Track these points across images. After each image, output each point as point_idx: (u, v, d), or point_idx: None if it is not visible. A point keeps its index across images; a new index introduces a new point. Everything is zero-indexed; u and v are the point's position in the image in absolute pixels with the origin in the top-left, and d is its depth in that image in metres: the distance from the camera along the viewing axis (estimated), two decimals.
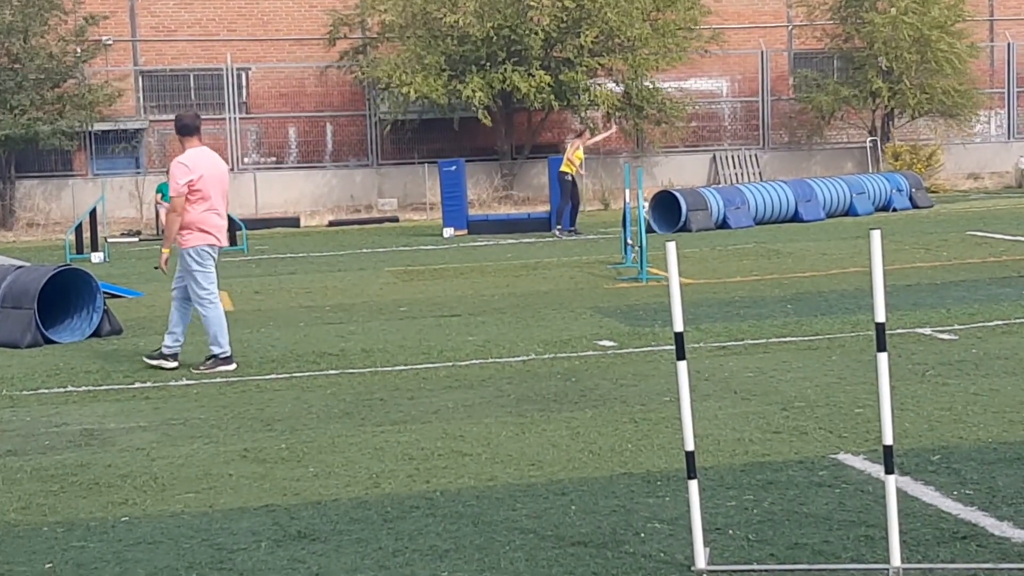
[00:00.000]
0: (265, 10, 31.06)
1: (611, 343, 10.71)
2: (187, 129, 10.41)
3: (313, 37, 30.70)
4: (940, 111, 31.41)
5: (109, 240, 22.71)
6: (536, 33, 27.82)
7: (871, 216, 23.43)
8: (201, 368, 10.24)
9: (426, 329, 11.98)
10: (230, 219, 22.58)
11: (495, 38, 27.91)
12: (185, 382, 9.87)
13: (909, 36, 29.93)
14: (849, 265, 15.68)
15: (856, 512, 5.80)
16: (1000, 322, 10.90)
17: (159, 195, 24.74)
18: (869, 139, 32.07)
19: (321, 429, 8.01)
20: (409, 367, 10.03)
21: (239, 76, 30.81)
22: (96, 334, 12.21)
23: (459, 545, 5.60)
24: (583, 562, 5.30)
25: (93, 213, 21.92)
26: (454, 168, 23.77)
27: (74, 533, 6.04)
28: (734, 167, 32.08)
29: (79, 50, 28.08)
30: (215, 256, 10.47)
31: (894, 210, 24.12)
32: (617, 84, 30.03)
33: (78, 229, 21.99)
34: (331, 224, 27.53)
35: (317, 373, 9.98)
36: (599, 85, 29.58)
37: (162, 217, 22.87)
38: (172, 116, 11.15)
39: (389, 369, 10.00)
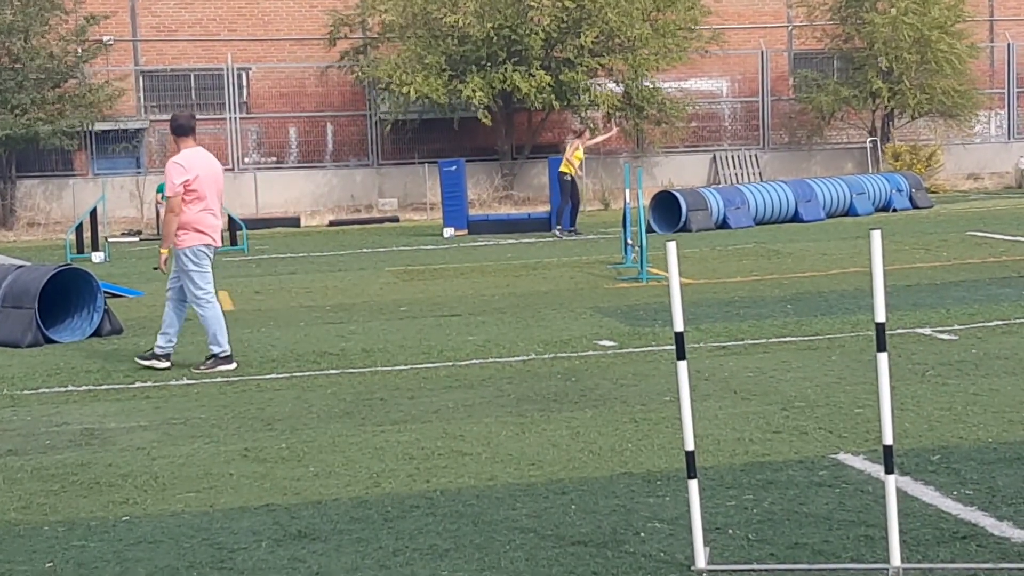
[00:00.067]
0: (266, 10, 31.07)
1: (611, 343, 10.72)
2: (183, 129, 10.43)
3: (314, 37, 30.71)
4: (940, 111, 31.41)
5: (110, 240, 22.72)
6: (536, 33, 27.82)
7: (871, 216, 23.43)
8: (201, 368, 10.25)
9: (426, 329, 11.99)
10: (231, 219, 22.69)
11: (495, 38, 27.91)
12: (185, 381, 9.88)
13: (909, 36, 29.93)
14: (849, 265, 15.69)
15: (856, 512, 5.80)
16: (1000, 322, 10.91)
17: (159, 195, 24.72)
18: (869, 139, 32.07)
19: (321, 429, 8.02)
20: (409, 367, 10.04)
21: (240, 76, 30.81)
22: (97, 334, 12.22)
23: (459, 544, 5.60)
24: (583, 561, 5.31)
25: (94, 213, 21.93)
26: (454, 168, 23.77)
27: (75, 532, 6.04)
28: (734, 167, 32.09)
29: (80, 50, 28.08)
30: (211, 256, 10.48)
31: (894, 210, 24.12)
32: (617, 84, 30.03)
33: (79, 229, 22.00)
34: (331, 224, 27.53)
35: (317, 373, 9.99)
36: (599, 85, 29.58)
37: (162, 217, 22.88)
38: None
39: (389, 369, 10.01)
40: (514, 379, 9.36)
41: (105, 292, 12.70)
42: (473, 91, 27.67)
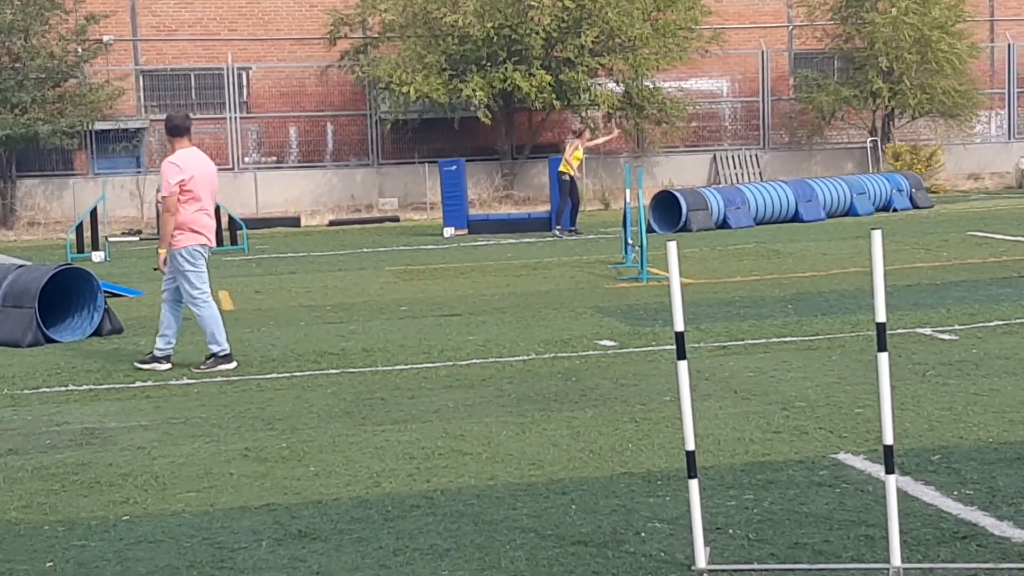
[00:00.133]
0: (266, 10, 31.06)
1: (611, 343, 10.72)
2: (178, 130, 10.43)
3: (314, 37, 30.70)
4: (940, 111, 31.40)
5: (110, 239, 22.71)
6: (537, 33, 27.81)
7: (871, 216, 23.43)
8: (201, 367, 10.25)
9: (426, 328, 11.99)
10: (231, 218, 22.70)
11: (495, 38, 27.91)
12: (186, 381, 9.88)
13: (909, 36, 29.92)
14: (849, 265, 15.69)
15: (856, 512, 5.80)
16: (1000, 322, 10.91)
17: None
18: (869, 139, 32.07)
19: (322, 428, 8.02)
20: (410, 366, 10.04)
21: (240, 76, 30.81)
22: (97, 333, 12.22)
23: (459, 544, 5.60)
24: (583, 561, 5.31)
25: (94, 212, 21.93)
26: (455, 168, 23.77)
27: (75, 532, 6.05)
28: (734, 167, 32.08)
29: (80, 49, 28.08)
30: (207, 256, 10.48)
31: (894, 210, 24.12)
32: (617, 84, 30.02)
33: (79, 228, 22.00)
34: (332, 224, 27.53)
35: (318, 372, 9.99)
36: (599, 85, 29.58)
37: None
38: None
39: (390, 368, 10.01)
40: (514, 379, 9.36)
41: (105, 291, 12.70)
42: (473, 90, 27.67)
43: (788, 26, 33.52)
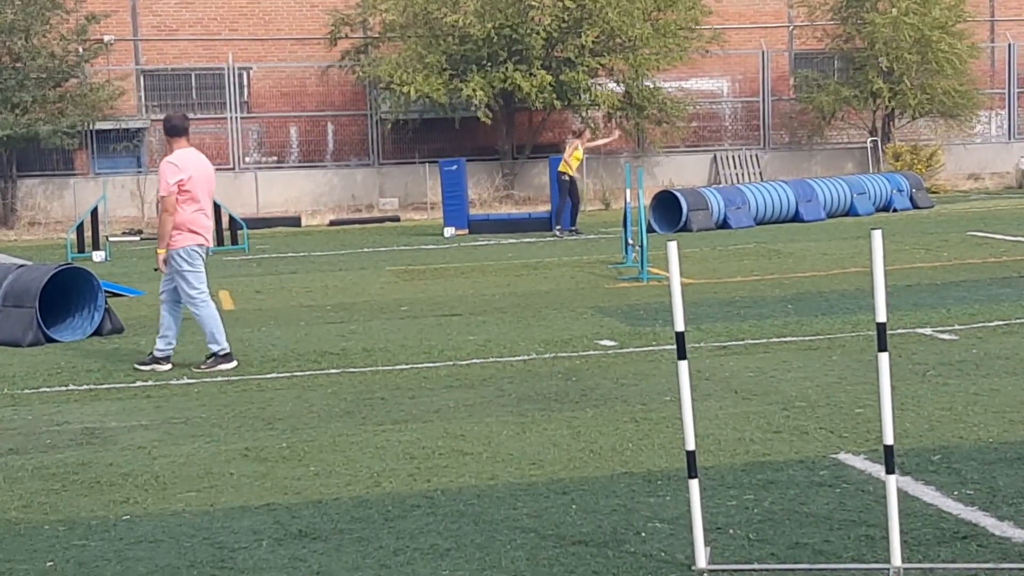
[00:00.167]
0: (266, 9, 31.06)
1: (612, 343, 10.72)
2: (176, 130, 10.43)
3: (314, 37, 30.70)
4: (941, 111, 31.40)
5: (110, 239, 22.71)
6: (537, 33, 27.82)
7: (872, 216, 23.43)
8: (202, 367, 10.25)
9: (427, 328, 11.99)
10: (231, 218, 22.70)
11: (496, 38, 27.91)
12: (186, 381, 9.89)
13: (910, 36, 29.92)
14: (850, 265, 15.69)
15: (857, 512, 5.80)
16: (1000, 322, 10.91)
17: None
18: (870, 139, 32.07)
19: (322, 428, 8.02)
20: (410, 366, 10.04)
21: (240, 75, 30.81)
22: (97, 333, 12.22)
23: (460, 544, 5.60)
24: (584, 561, 5.31)
25: (94, 212, 21.93)
26: (455, 168, 23.77)
27: (75, 531, 6.05)
28: (735, 167, 32.08)
29: (81, 49, 28.09)
30: (204, 256, 10.48)
31: (895, 210, 24.12)
32: (618, 84, 30.02)
33: (79, 228, 22.00)
34: (332, 223, 27.53)
35: (318, 372, 9.99)
36: (600, 85, 29.58)
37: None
38: None
39: (390, 368, 10.01)
40: (515, 379, 9.36)
41: (106, 291, 12.71)
42: (473, 90, 27.67)
43: (788, 26, 33.52)
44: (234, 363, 10.30)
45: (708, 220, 21.86)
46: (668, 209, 22.13)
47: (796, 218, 22.79)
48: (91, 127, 28.57)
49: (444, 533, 5.76)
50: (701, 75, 32.62)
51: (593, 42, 28.36)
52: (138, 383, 9.85)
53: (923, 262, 15.74)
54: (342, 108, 31.47)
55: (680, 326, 5.21)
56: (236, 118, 30.45)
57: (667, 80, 30.87)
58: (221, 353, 10.28)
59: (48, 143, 27.18)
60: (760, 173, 31.77)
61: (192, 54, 30.65)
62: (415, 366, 10.03)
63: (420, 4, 28.48)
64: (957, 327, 10.70)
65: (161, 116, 29.14)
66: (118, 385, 9.81)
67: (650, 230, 19.10)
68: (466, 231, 23.29)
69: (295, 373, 9.99)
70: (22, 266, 13.06)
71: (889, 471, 4.96)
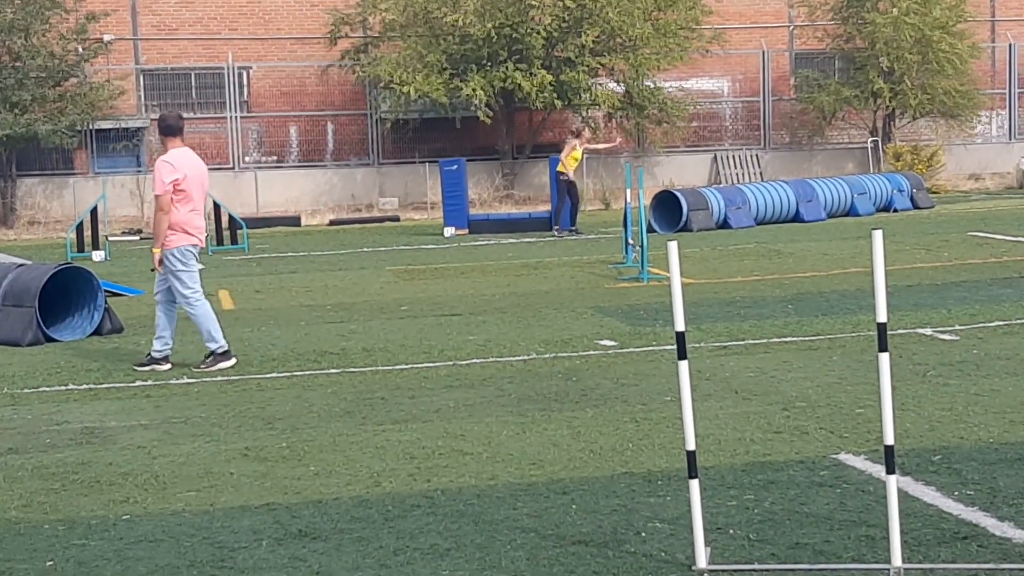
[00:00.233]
0: (266, 9, 31.06)
1: (612, 343, 10.71)
2: (171, 130, 10.43)
3: (314, 36, 30.70)
4: (941, 112, 31.40)
5: (110, 238, 22.71)
6: (537, 32, 27.81)
7: (872, 216, 23.43)
8: (201, 367, 10.25)
9: (427, 328, 11.98)
10: (231, 218, 22.69)
11: (496, 37, 27.91)
12: (186, 380, 9.88)
13: (910, 36, 29.92)
14: (850, 265, 15.69)
15: (857, 512, 5.80)
16: (1001, 323, 10.91)
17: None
18: (870, 139, 32.06)
19: (322, 428, 8.02)
20: (410, 366, 10.04)
21: (240, 75, 30.81)
22: (97, 332, 12.22)
23: (460, 544, 5.60)
24: (584, 561, 5.30)
25: (94, 211, 21.93)
26: (455, 167, 23.77)
27: (75, 531, 6.04)
28: (735, 167, 32.08)
29: (80, 48, 28.09)
30: (197, 256, 10.48)
31: (895, 211, 24.11)
32: (618, 84, 30.02)
33: (79, 227, 22.00)
34: (332, 223, 27.52)
35: (318, 372, 9.98)
36: (600, 85, 29.58)
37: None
38: None
39: (390, 368, 10.01)
40: (515, 379, 9.36)
41: (105, 291, 12.70)
42: (473, 90, 27.66)
43: (789, 26, 33.52)
44: (233, 360, 10.30)
45: (708, 220, 21.86)
46: (668, 209, 22.13)
47: (796, 218, 22.78)
48: (91, 126, 28.57)
49: (444, 533, 5.76)
50: (701, 75, 32.61)
51: (593, 42, 28.35)
52: (138, 383, 9.85)
53: (924, 262, 15.74)
54: (342, 108, 31.47)
55: (680, 326, 5.20)
56: (236, 117, 30.44)
57: (667, 80, 30.87)
58: (219, 351, 10.27)
59: (48, 142, 27.17)
60: (760, 173, 31.77)
61: (192, 53, 30.64)
62: (415, 366, 10.03)
63: (420, 3, 28.48)
64: (958, 327, 10.70)
65: None
66: (118, 384, 9.81)
67: (650, 230, 19.10)
68: (466, 231, 23.28)
69: (295, 373, 9.99)
70: (22, 265, 13.06)
71: (889, 471, 4.96)
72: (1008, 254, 16.22)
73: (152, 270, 10.73)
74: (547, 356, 10.22)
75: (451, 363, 10.08)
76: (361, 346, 11.05)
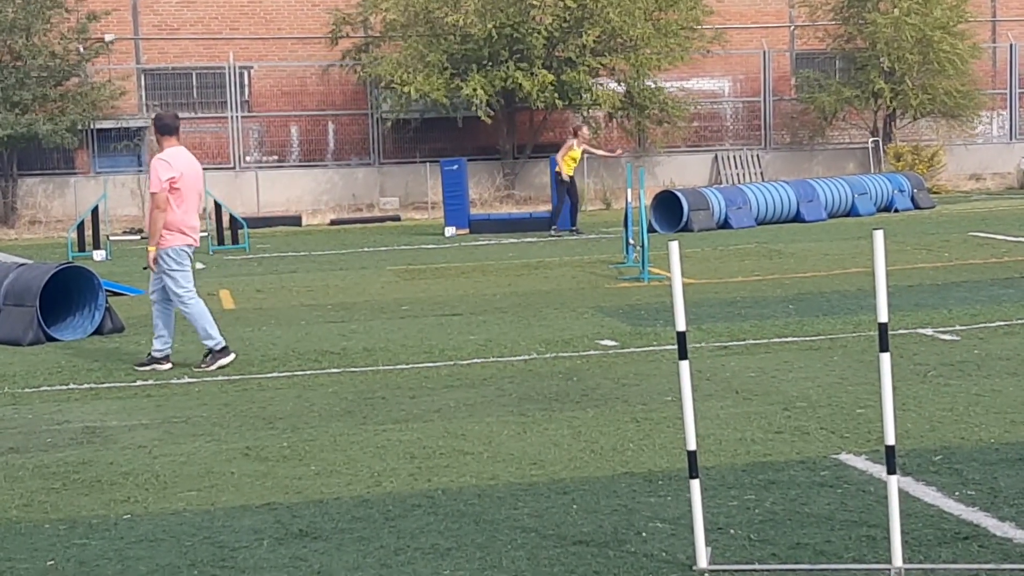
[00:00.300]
0: (267, 8, 31.06)
1: (613, 343, 10.71)
2: (167, 129, 10.44)
3: (315, 36, 30.70)
4: (942, 112, 31.38)
5: (111, 238, 22.71)
6: (538, 32, 27.81)
7: (873, 217, 23.42)
8: (202, 366, 10.25)
9: (428, 328, 11.98)
10: (232, 218, 22.69)
11: (497, 37, 27.91)
12: (187, 380, 9.88)
13: (911, 37, 29.91)
14: (851, 265, 15.69)
15: (858, 512, 5.80)
16: (1002, 323, 10.91)
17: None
18: (871, 140, 32.06)
19: (323, 427, 8.02)
20: (411, 366, 10.04)
21: (241, 74, 30.80)
22: (98, 332, 12.22)
23: (461, 544, 5.60)
24: (585, 561, 5.30)
25: (95, 211, 21.93)
26: (456, 167, 23.78)
27: (76, 531, 6.04)
28: (736, 167, 32.07)
29: (81, 48, 28.09)
30: (192, 256, 10.48)
31: (896, 211, 24.11)
32: (619, 84, 30.02)
33: (80, 227, 21.99)
34: (333, 223, 27.53)
35: (319, 371, 9.98)
36: (601, 85, 29.57)
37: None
38: None
39: (391, 368, 10.01)
40: (516, 378, 9.36)
41: (106, 290, 12.70)
42: (474, 89, 27.66)
43: (790, 26, 33.51)
44: (232, 356, 10.30)
45: (709, 220, 21.85)
46: (669, 209, 22.13)
47: (797, 218, 22.78)
48: (92, 126, 28.57)
49: (445, 533, 5.76)
50: (702, 75, 32.61)
51: (594, 42, 28.35)
52: (138, 382, 9.85)
53: (924, 262, 15.74)
54: (343, 107, 31.47)
55: (681, 326, 5.20)
56: (237, 117, 30.44)
57: (668, 80, 30.86)
58: (217, 348, 10.27)
59: (49, 142, 27.16)
60: (761, 173, 31.76)
61: (193, 53, 30.64)
62: (416, 366, 10.03)
63: (421, 3, 28.47)
64: (958, 328, 10.70)
65: None
66: (119, 384, 9.81)
67: (651, 230, 19.09)
68: (467, 231, 23.29)
69: (296, 372, 9.99)
70: (23, 265, 13.06)
71: (890, 471, 4.96)
72: (1009, 254, 16.22)
73: (144, 268, 10.73)
74: (548, 356, 10.22)
75: (452, 363, 10.08)
76: (362, 346, 11.06)
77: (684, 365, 5.20)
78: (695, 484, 5.22)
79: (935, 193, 27.68)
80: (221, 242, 22.10)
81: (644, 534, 5.62)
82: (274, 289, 15.83)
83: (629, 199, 16.78)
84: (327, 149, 31.44)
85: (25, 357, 11.17)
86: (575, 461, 6.93)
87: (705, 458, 6.56)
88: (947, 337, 10.30)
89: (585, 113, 29.72)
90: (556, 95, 28.12)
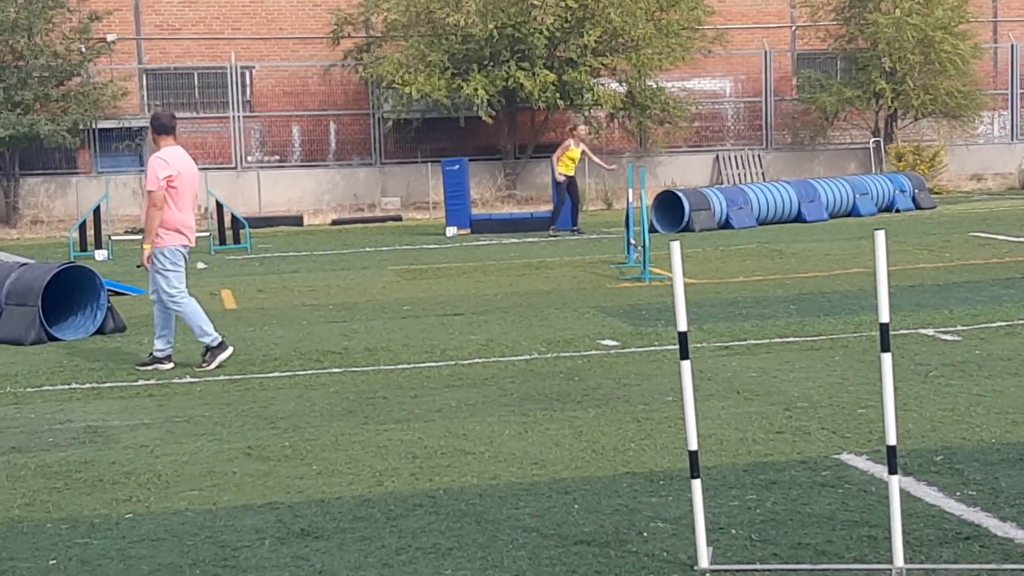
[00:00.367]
0: (269, 8, 31.08)
1: (614, 343, 10.72)
2: (164, 128, 10.45)
3: (317, 36, 30.71)
4: (943, 112, 31.39)
5: (113, 238, 22.73)
6: (540, 32, 27.81)
7: (874, 217, 23.43)
8: (203, 365, 10.25)
9: (429, 328, 11.99)
10: (234, 217, 22.70)
11: (498, 37, 27.91)
12: (188, 380, 9.89)
13: (913, 37, 29.91)
14: (852, 266, 15.69)
15: (859, 512, 5.80)
16: (1003, 323, 10.91)
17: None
18: (872, 140, 32.06)
19: (324, 427, 8.02)
20: (412, 366, 10.04)
21: (243, 74, 30.82)
22: (100, 331, 12.23)
23: (462, 543, 5.60)
24: (586, 561, 5.31)
25: (97, 211, 21.95)
26: (457, 167, 23.79)
27: (78, 530, 6.05)
28: (737, 167, 32.08)
29: (83, 48, 28.10)
30: (187, 256, 10.49)
31: (897, 211, 24.11)
32: (620, 84, 30.02)
33: (82, 226, 22.01)
34: (334, 223, 27.54)
35: (320, 371, 9.99)
36: (602, 85, 29.58)
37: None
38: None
39: (392, 367, 10.01)
40: (517, 378, 9.36)
41: (108, 290, 12.71)
42: (475, 89, 27.67)
43: (791, 26, 33.51)
44: (231, 350, 10.31)
45: (710, 220, 21.86)
46: (670, 209, 22.14)
47: (798, 218, 22.79)
48: (94, 126, 28.59)
49: (446, 532, 5.77)
50: (704, 75, 32.61)
51: (596, 42, 28.35)
52: (140, 382, 9.86)
53: (926, 263, 15.74)
54: (344, 107, 31.48)
55: (683, 326, 5.21)
56: (239, 117, 30.45)
57: (670, 80, 30.86)
58: (214, 344, 10.27)
59: (51, 142, 27.19)
60: (762, 173, 31.77)
61: (195, 53, 30.65)
62: (417, 365, 10.04)
63: (422, 3, 28.48)
64: (960, 328, 10.70)
65: None
66: (120, 384, 9.82)
67: (652, 230, 19.08)
68: (468, 231, 23.29)
69: (297, 372, 10.00)
70: (24, 264, 13.07)
71: (892, 472, 4.96)
72: (1010, 255, 16.22)
73: (139, 266, 10.72)
74: (549, 356, 10.22)
75: (453, 363, 10.09)
76: (363, 345, 11.06)
77: (685, 365, 5.20)
78: (696, 484, 5.22)
79: (936, 193, 27.68)
80: (223, 242, 22.11)
81: (645, 534, 5.62)
82: (276, 289, 15.84)
83: (630, 199, 16.78)
84: (329, 149, 31.45)
85: (27, 357, 11.18)
86: (576, 461, 6.93)
87: (706, 458, 6.57)
88: (948, 337, 10.30)
89: (586, 113, 29.72)
90: (557, 95, 28.13)
